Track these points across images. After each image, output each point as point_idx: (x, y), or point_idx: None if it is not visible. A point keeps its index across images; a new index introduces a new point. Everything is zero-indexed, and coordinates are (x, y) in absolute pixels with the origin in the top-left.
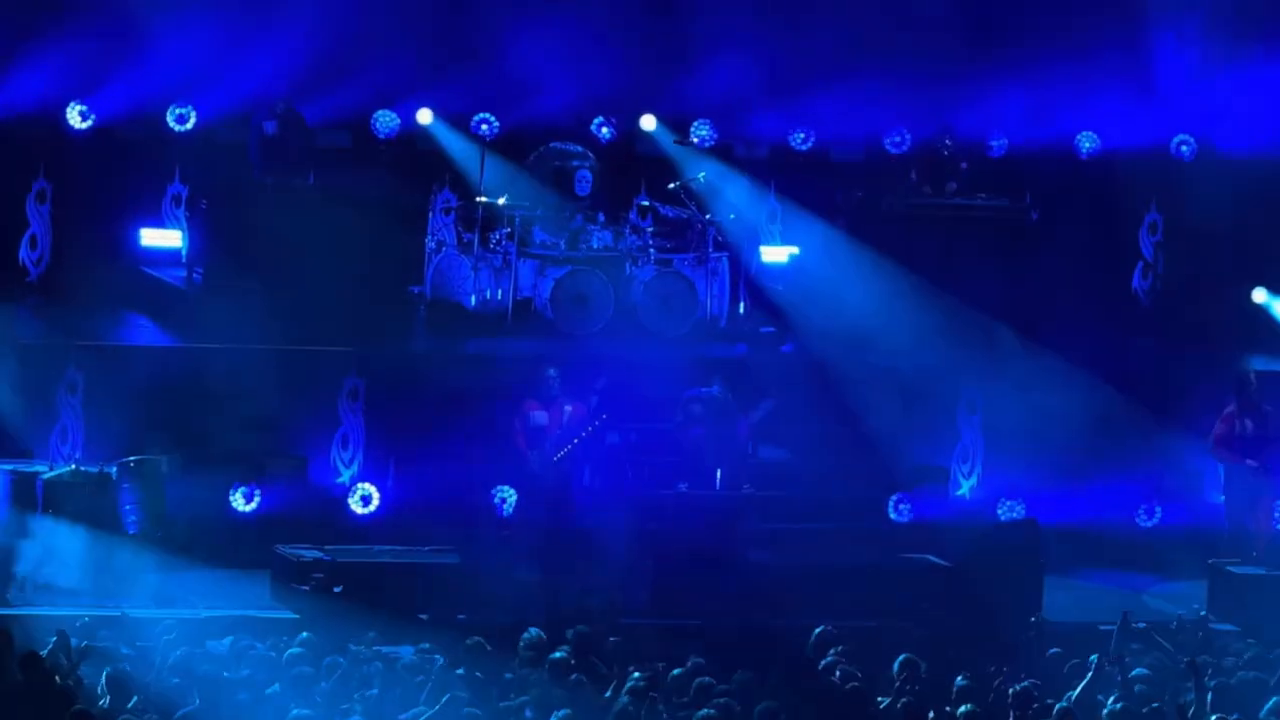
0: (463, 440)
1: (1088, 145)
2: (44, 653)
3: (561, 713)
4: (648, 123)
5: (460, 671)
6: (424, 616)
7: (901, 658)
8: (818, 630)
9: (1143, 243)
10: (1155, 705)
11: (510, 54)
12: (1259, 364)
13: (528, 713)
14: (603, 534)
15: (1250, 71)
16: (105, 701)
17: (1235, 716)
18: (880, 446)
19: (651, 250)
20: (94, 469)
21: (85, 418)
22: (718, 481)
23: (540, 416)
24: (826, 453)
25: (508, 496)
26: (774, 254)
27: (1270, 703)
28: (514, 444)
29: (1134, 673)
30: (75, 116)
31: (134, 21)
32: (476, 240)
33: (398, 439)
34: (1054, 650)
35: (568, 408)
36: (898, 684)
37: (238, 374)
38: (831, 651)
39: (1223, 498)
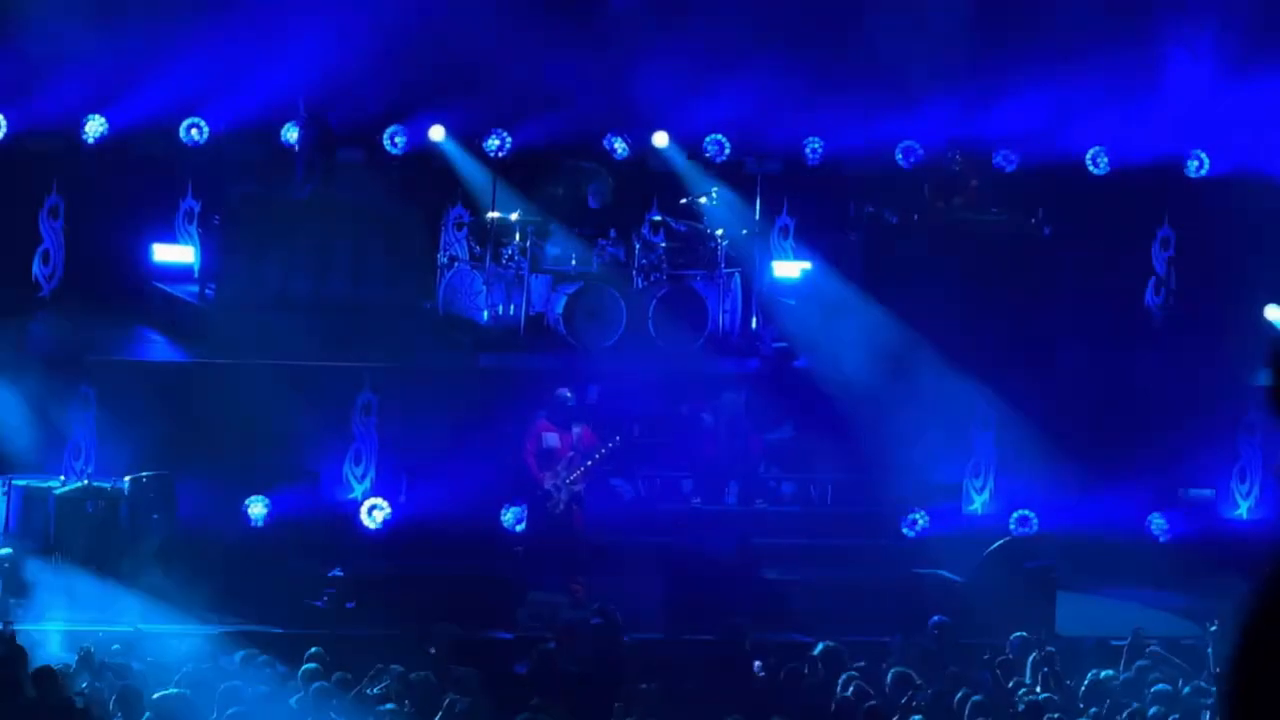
0: (475, 456)
1: (1100, 161)
2: (66, 666)
3: None
4: (660, 139)
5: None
6: (432, 650)
7: (894, 671)
8: (820, 646)
9: (1155, 258)
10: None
11: (523, 70)
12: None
13: None
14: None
15: (1262, 87)
16: (118, 718)
17: None
18: (893, 462)
19: (664, 265)
20: (106, 484)
21: (98, 433)
22: (731, 496)
23: (552, 438)
24: (839, 468)
25: (519, 514)
26: (786, 269)
27: None
28: (525, 464)
29: (1155, 689)
30: (89, 131)
31: (147, 37)
32: (489, 255)
33: (410, 454)
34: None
35: (577, 429)
36: (903, 701)
37: (250, 389)
38: (847, 671)
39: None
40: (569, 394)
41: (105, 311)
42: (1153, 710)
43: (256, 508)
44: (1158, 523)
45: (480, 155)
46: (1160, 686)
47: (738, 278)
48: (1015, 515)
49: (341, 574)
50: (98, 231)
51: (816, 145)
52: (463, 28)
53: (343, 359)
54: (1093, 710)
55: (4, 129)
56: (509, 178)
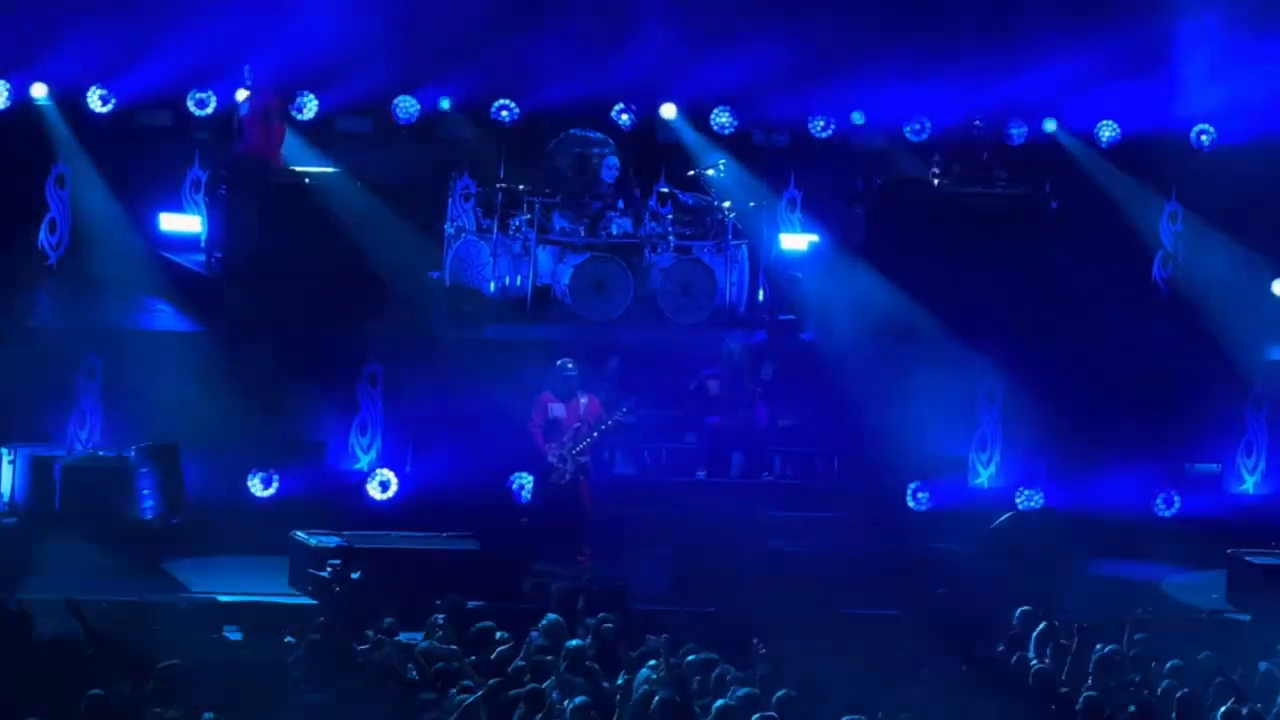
0: (481, 427)
1: (1108, 134)
2: (71, 635)
3: (578, 700)
4: (668, 110)
5: (473, 659)
6: (440, 618)
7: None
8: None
9: (1163, 232)
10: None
11: (530, 41)
12: (1277, 354)
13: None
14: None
15: (1271, 58)
16: (122, 688)
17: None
18: (899, 435)
19: (671, 237)
20: (112, 454)
21: (103, 402)
22: (735, 469)
23: (557, 409)
24: (845, 441)
25: (525, 484)
26: (793, 241)
27: None
28: (530, 436)
29: (1168, 665)
30: (95, 100)
31: (155, 5)
32: (496, 226)
33: (416, 425)
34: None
35: (583, 400)
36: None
37: (256, 359)
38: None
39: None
40: (571, 365)
41: (112, 281)
42: (1161, 685)
43: (262, 477)
44: (1164, 497)
45: (488, 125)
46: (1167, 661)
47: (745, 250)
48: (1021, 489)
49: (347, 545)
50: (104, 200)
51: (825, 118)
52: None
53: (349, 329)
54: (1096, 684)
55: (11, 97)
56: (517, 148)
